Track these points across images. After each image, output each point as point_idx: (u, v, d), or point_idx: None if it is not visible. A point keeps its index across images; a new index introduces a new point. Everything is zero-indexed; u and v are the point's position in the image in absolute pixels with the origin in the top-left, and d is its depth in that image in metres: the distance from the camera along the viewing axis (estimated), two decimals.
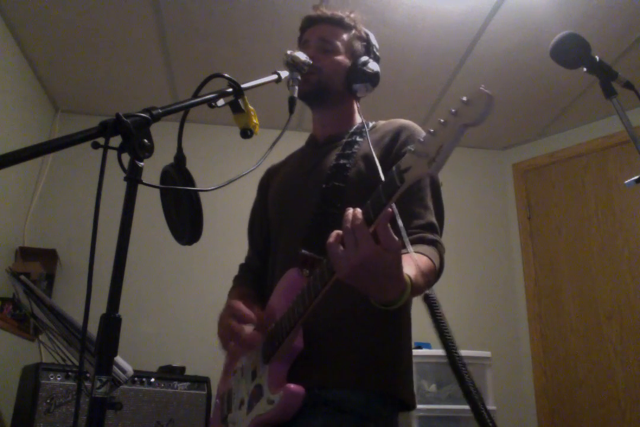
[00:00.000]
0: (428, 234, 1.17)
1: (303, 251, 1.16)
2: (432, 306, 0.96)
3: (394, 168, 0.83)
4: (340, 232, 0.89)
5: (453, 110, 0.76)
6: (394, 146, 1.27)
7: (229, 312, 1.20)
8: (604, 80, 1.40)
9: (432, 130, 0.78)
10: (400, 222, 0.99)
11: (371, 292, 0.93)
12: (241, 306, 1.19)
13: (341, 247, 0.88)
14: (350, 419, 1.10)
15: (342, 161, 1.29)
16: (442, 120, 0.77)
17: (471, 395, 0.74)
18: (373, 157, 1.21)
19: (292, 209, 1.33)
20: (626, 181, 1.46)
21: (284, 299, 1.16)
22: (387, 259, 0.86)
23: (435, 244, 1.16)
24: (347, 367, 1.15)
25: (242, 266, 1.53)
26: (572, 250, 3.52)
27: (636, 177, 1.45)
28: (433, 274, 1.10)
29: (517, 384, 3.49)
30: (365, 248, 0.85)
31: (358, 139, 1.33)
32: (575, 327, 3.38)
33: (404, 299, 0.93)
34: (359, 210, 0.88)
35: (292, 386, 1.09)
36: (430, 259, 1.10)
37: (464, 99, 0.75)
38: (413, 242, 1.13)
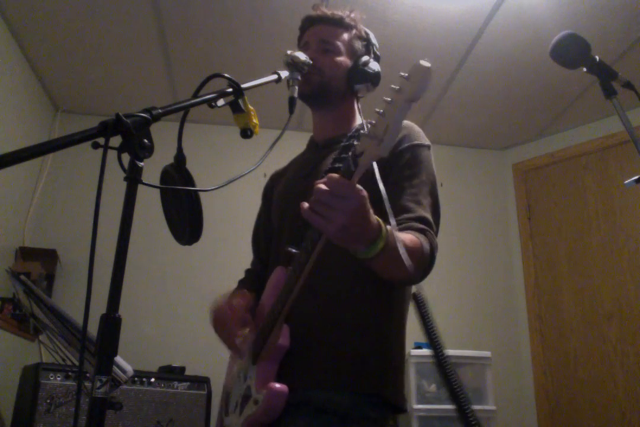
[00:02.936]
0: (417, 224, 1.15)
1: (289, 248, 1.16)
2: (419, 305, 0.96)
3: (349, 153, 0.84)
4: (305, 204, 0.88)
5: (397, 88, 0.75)
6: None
7: (228, 303, 1.21)
8: (604, 80, 1.40)
9: (380, 111, 0.77)
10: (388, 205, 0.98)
11: (348, 243, 0.93)
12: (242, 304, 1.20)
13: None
14: (333, 420, 1.10)
15: (337, 165, 1.28)
16: (388, 99, 0.76)
17: (457, 396, 0.74)
18: None
19: (291, 213, 1.33)
20: (626, 181, 1.46)
21: (271, 298, 1.17)
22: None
23: (424, 232, 1.13)
24: (332, 368, 1.15)
25: (247, 271, 1.53)
26: (572, 250, 3.52)
27: (636, 177, 1.45)
28: (418, 249, 1.07)
29: (517, 384, 3.49)
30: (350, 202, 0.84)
31: (355, 142, 1.33)
32: (575, 327, 3.38)
33: (379, 244, 0.92)
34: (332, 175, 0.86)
35: (275, 385, 1.09)
36: (417, 238, 1.08)
37: (404, 74, 0.74)
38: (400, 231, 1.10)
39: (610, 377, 3.16)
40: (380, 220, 0.93)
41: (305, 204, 0.87)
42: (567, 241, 3.56)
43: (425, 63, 0.71)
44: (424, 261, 1.10)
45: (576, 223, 3.53)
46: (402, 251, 0.88)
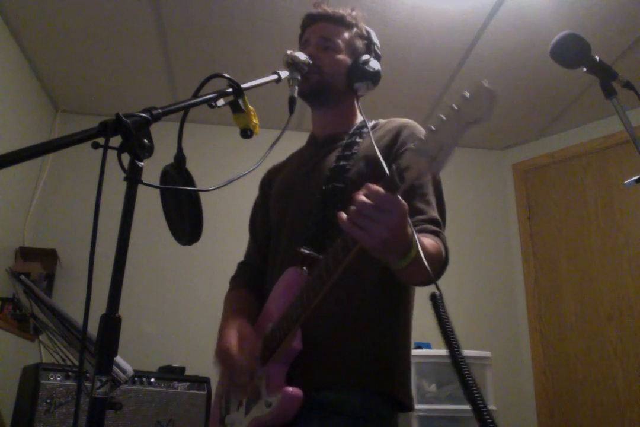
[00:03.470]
0: (431, 226, 1.17)
1: (302, 249, 1.15)
2: (437, 305, 0.96)
3: (394, 166, 0.82)
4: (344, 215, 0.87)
5: (455, 107, 0.73)
6: (394, 145, 1.27)
7: (225, 354, 1.18)
8: (604, 80, 1.40)
9: (433, 128, 0.76)
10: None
11: (385, 255, 0.94)
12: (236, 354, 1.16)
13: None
14: (347, 421, 1.10)
15: (342, 163, 1.28)
16: (443, 118, 0.75)
17: (474, 397, 0.73)
18: (374, 157, 1.21)
19: (293, 210, 1.33)
20: (626, 181, 1.46)
21: (283, 299, 1.16)
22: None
23: (437, 234, 1.16)
24: (343, 369, 1.15)
25: (240, 264, 1.51)
26: (572, 250, 3.52)
27: (636, 177, 1.45)
28: (439, 254, 1.09)
29: (517, 384, 3.49)
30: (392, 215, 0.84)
31: (358, 139, 1.33)
32: (575, 327, 3.38)
33: (412, 254, 0.93)
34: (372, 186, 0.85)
35: (290, 389, 1.08)
36: (436, 242, 1.11)
37: (467, 95, 0.72)
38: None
39: (610, 377, 3.16)
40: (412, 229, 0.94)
41: (344, 215, 0.86)
42: (567, 241, 3.56)
43: (489, 85, 0.70)
44: (441, 264, 1.13)
45: (576, 223, 3.53)
46: (426, 263, 0.89)
